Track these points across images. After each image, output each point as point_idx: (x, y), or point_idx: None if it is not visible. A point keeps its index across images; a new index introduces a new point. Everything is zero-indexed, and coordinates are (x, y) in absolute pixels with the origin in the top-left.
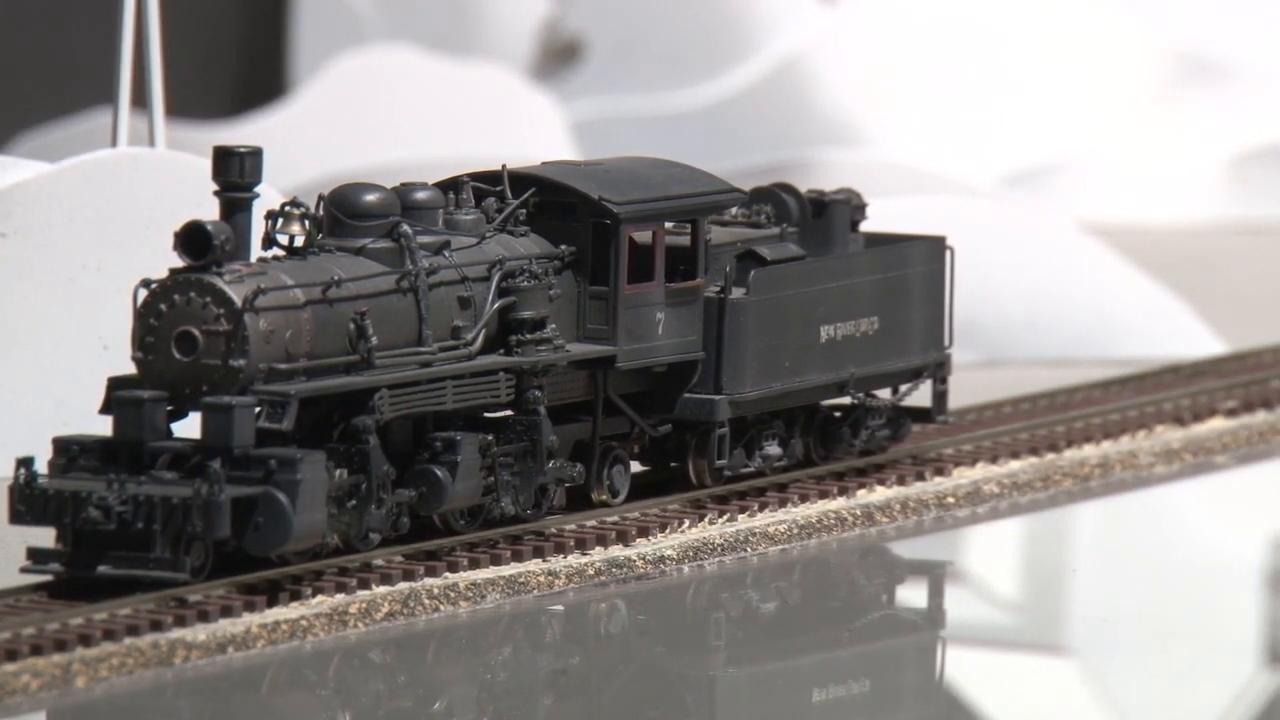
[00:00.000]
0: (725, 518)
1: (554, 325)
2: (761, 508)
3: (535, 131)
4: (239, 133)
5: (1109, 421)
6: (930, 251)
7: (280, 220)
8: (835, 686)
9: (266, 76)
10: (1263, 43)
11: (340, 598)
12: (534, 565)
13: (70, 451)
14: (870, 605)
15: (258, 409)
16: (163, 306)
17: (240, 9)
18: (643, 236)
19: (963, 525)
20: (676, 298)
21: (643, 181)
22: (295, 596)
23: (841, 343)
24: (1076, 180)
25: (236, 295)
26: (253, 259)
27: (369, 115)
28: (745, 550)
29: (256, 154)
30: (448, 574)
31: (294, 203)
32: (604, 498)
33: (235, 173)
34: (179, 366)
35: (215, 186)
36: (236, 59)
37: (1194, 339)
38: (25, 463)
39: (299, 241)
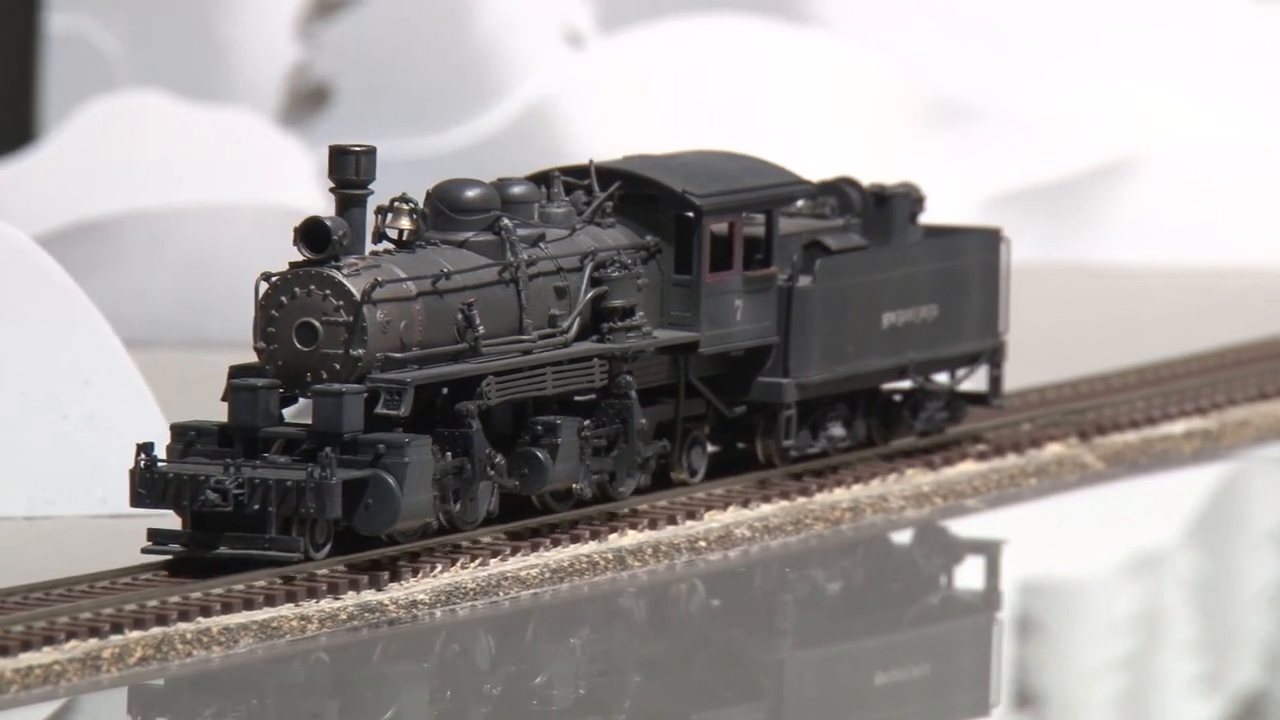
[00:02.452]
0: (478, 562)
1: (641, 313)
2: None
3: (285, 175)
4: None
5: (860, 465)
6: (986, 242)
7: (390, 215)
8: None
9: (15, 121)
10: (1014, 86)
11: (93, 642)
12: (286, 610)
13: (187, 437)
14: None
15: (366, 395)
16: (283, 299)
17: None
18: (719, 227)
19: (717, 567)
20: (753, 285)
21: (721, 174)
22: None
23: (902, 329)
24: None
25: (355, 288)
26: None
27: (119, 160)
28: (498, 595)
29: (371, 153)
30: (200, 619)
31: (403, 198)
32: (683, 476)
33: (351, 170)
34: (299, 355)
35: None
36: None
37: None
38: (145, 448)
39: (407, 235)
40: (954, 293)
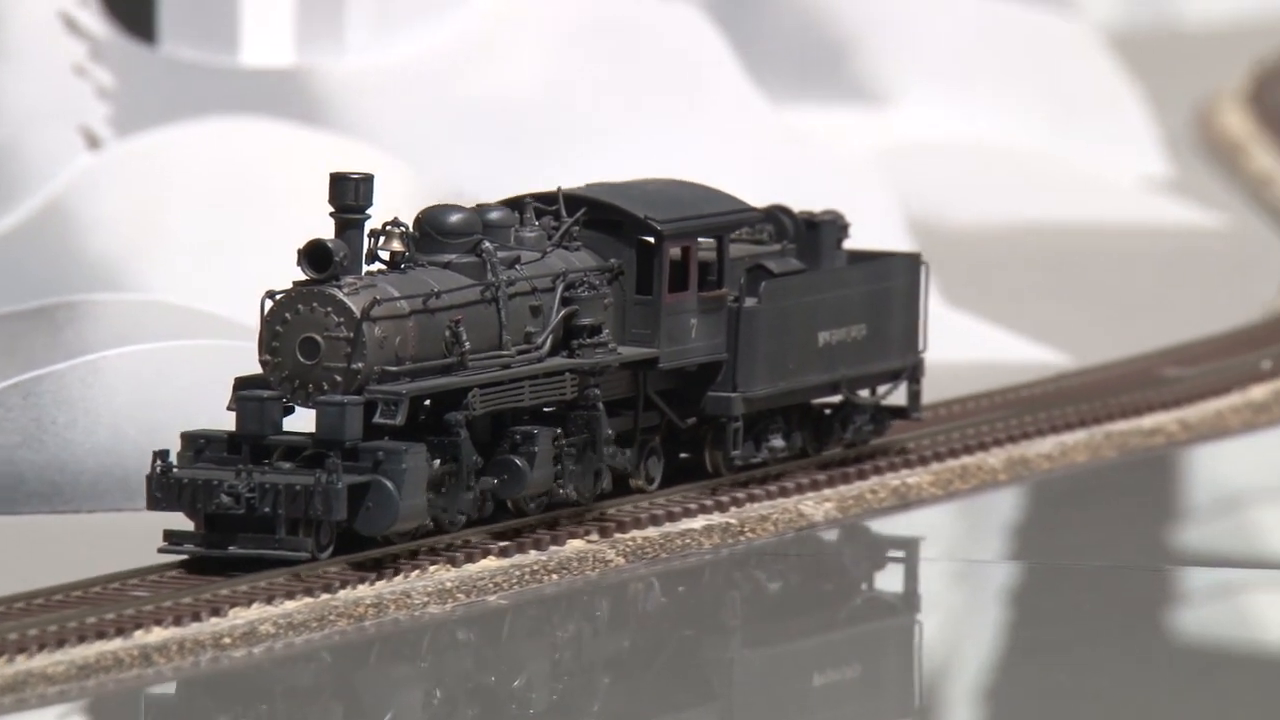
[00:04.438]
0: (3, 658)
1: (607, 330)
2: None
3: None
4: None
5: (382, 562)
6: (908, 266)
7: (383, 238)
8: None
9: None
10: (534, 180)
11: None
12: None
13: (197, 444)
14: None
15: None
16: (287, 315)
17: None
18: (675, 251)
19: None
20: (706, 305)
21: (678, 201)
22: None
23: (836, 347)
24: None
25: (356, 306)
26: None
27: None
28: (25, 691)
29: (369, 179)
30: None
31: (395, 222)
32: (641, 483)
33: (350, 196)
34: (302, 368)
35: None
36: None
37: None
38: (161, 455)
39: (397, 257)
40: (880, 313)
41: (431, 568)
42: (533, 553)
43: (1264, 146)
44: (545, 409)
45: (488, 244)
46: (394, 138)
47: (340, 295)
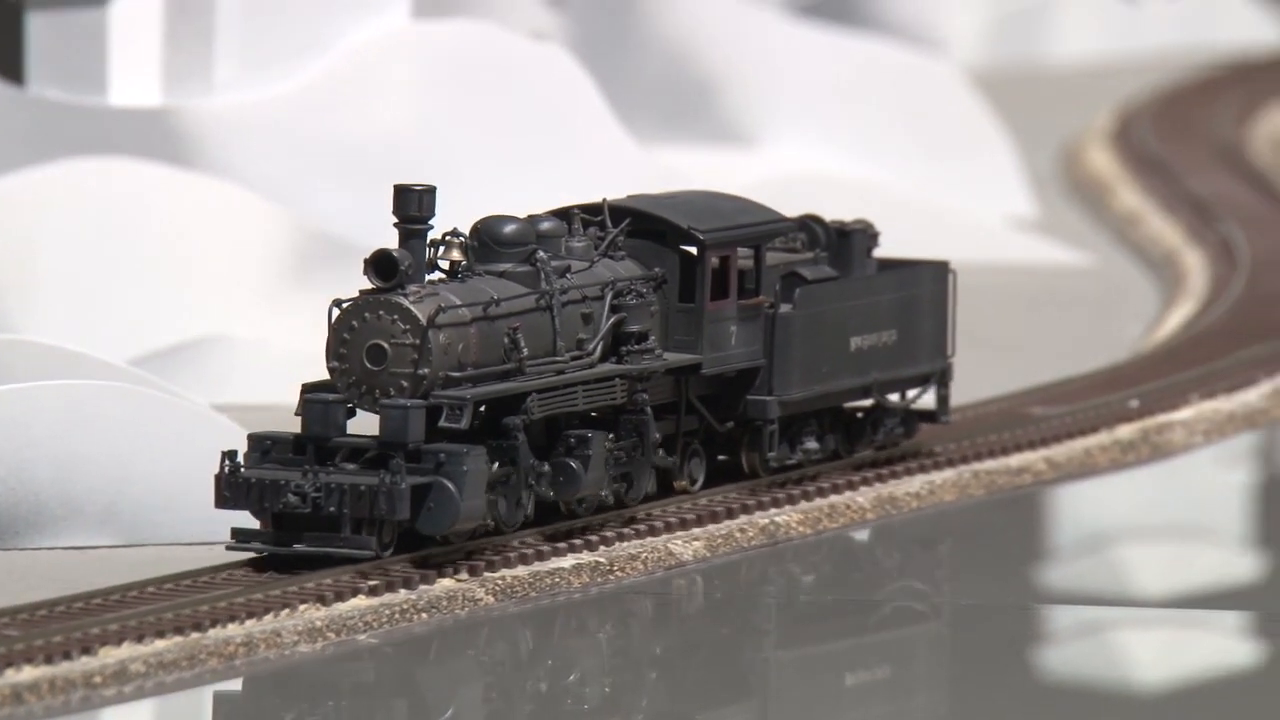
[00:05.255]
0: None
1: (653, 337)
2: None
3: None
4: None
5: (252, 601)
6: (936, 274)
7: (443, 248)
8: None
9: None
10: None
11: None
12: None
13: (263, 445)
14: None
15: (425, 409)
16: (355, 322)
17: None
18: (716, 260)
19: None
20: (745, 313)
21: (718, 212)
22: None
23: (867, 351)
24: (210, 361)
25: (421, 314)
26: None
27: None
28: None
29: (431, 191)
30: None
31: (454, 233)
32: (685, 485)
33: (414, 207)
34: (369, 373)
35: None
36: None
37: None
38: (229, 455)
39: (455, 267)
40: (910, 319)
41: (301, 606)
42: (402, 591)
43: (1130, 186)
44: (592, 414)
45: (542, 253)
46: (263, 176)
47: (407, 303)
